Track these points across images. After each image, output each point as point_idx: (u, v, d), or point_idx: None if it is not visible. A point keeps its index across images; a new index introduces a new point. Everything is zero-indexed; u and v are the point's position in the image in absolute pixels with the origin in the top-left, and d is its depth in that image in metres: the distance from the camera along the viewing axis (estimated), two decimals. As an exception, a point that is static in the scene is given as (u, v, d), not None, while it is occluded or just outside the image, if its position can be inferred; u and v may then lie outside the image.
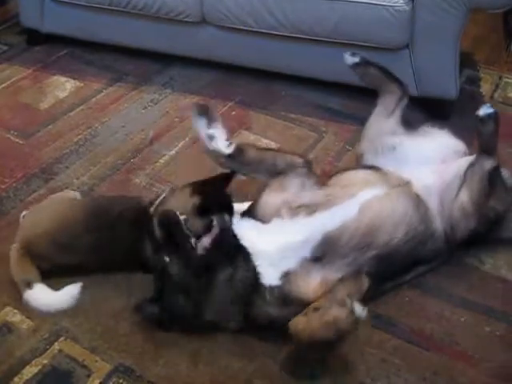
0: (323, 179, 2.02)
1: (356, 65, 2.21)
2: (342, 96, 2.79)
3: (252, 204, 1.90)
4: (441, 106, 2.65)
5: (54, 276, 1.90)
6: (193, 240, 1.75)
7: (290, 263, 1.73)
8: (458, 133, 2.49)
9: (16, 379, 1.67)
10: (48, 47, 3.18)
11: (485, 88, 2.96)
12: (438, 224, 1.93)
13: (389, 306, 1.89)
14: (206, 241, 1.76)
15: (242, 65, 2.87)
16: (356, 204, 1.83)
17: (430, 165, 2.04)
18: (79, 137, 2.58)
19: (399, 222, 1.84)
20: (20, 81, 2.94)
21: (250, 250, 1.75)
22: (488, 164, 1.95)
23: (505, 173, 2.08)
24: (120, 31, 2.98)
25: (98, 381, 1.68)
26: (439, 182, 2.00)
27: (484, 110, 1.95)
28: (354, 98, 2.76)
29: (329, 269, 1.74)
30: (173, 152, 2.50)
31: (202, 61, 2.95)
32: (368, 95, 2.71)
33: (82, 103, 2.79)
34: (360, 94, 2.74)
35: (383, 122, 2.17)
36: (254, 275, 1.73)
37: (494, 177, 1.96)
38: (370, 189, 1.88)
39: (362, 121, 2.64)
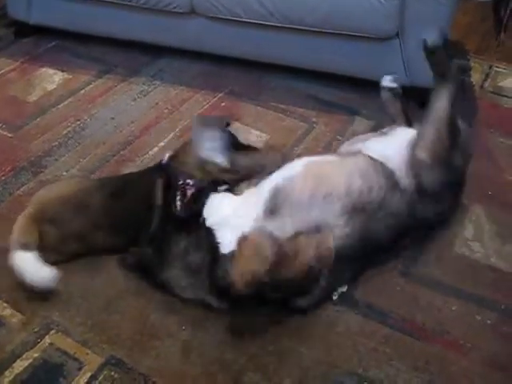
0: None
1: (390, 89, 2.34)
2: (332, 86, 2.79)
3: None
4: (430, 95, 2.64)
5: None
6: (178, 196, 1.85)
7: (246, 225, 1.75)
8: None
9: (7, 373, 1.66)
10: (36, 39, 3.16)
11: (475, 77, 2.97)
12: (404, 177, 1.94)
13: (380, 295, 1.89)
14: (178, 198, 1.85)
15: (232, 56, 2.85)
16: (301, 162, 1.93)
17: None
18: (68, 129, 2.57)
19: (352, 172, 1.88)
20: (8, 73, 2.92)
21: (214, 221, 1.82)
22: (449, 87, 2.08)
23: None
24: (108, 23, 2.96)
25: (90, 373, 1.67)
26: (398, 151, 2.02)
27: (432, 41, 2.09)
28: (344, 89, 2.77)
29: (285, 225, 1.76)
30: (162, 143, 2.49)
31: (192, 52, 2.93)
32: (358, 86, 2.74)
33: (70, 95, 2.78)
34: (350, 84, 2.75)
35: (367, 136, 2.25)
36: (214, 247, 1.77)
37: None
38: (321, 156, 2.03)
39: (352, 111, 2.67)
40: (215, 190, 1.92)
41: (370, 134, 2.24)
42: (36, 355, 1.71)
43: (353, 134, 2.44)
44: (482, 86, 2.90)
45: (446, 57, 2.11)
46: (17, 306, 1.84)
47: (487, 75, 2.99)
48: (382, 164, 1.94)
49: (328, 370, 1.69)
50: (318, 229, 1.75)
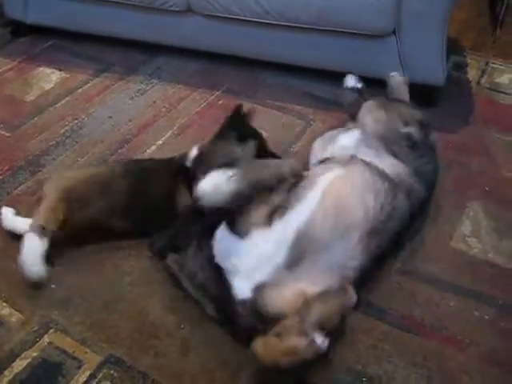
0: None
1: (354, 89, 2.39)
2: (329, 83, 2.78)
3: (236, 216, 1.76)
4: (428, 92, 2.65)
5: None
6: None
7: (263, 274, 1.66)
8: (445, 118, 2.53)
9: (6, 372, 1.66)
10: (33, 39, 3.16)
11: (471, 74, 2.97)
12: (392, 172, 1.94)
13: (379, 292, 1.89)
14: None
15: (229, 53, 2.86)
16: (317, 191, 1.79)
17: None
18: (66, 128, 2.57)
19: (364, 190, 1.82)
20: (5, 73, 2.92)
21: (227, 266, 1.72)
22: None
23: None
24: (105, 22, 2.97)
25: (89, 372, 1.67)
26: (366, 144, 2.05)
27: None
28: (340, 86, 2.75)
29: (307, 278, 1.65)
30: (160, 142, 2.49)
31: (189, 50, 2.94)
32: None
33: (67, 94, 2.78)
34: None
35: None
36: (225, 286, 1.70)
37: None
38: (328, 173, 1.86)
39: (349, 108, 2.66)
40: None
41: (335, 132, 2.23)
42: (35, 354, 1.71)
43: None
44: (478, 83, 2.90)
45: None
46: (15, 305, 1.84)
47: (484, 71, 2.99)
48: (376, 168, 1.92)
49: (327, 367, 1.69)
50: (341, 285, 1.66)
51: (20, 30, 3.17)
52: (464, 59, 3.08)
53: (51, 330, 1.78)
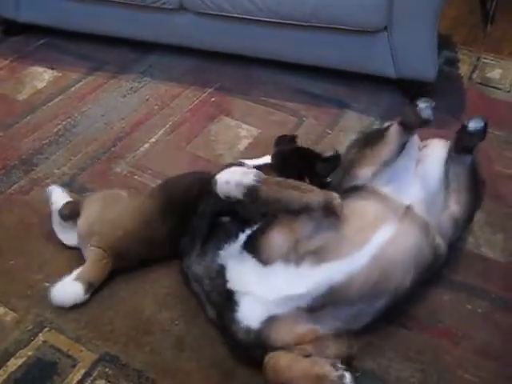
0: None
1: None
2: (321, 80, 2.79)
3: (257, 238, 1.67)
4: (420, 87, 2.65)
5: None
6: None
7: (281, 310, 1.59)
8: (437, 113, 2.52)
9: (1, 372, 1.66)
10: (25, 37, 3.14)
11: (463, 69, 2.98)
12: (440, 241, 1.82)
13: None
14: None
15: (221, 51, 2.86)
16: (368, 253, 1.63)
17: (408, 173, 1.91)
18: (59, 127, 2.56)
19: (412, 261, 1.69)
20: (-3, 72, 2.92)
21: (240, 290, 1.63)
22: (468, 159, 1.93)
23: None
24: (97, 20, 2.95)
25: (84, 370, 1.68)
26: (426, 192, 1.86)
27: (473, 124, 1.88)
28: (333, 82, 2.77)
29: (322, 321, 1.60)
30: (153, 140, 2.49)
31: (181, 48, 2.93)
32: (347, 79, 2.75)
33: (60, 93, 2.77)
34: (340, 77, 2.76)
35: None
36: (230, 306, 1.63)
37: (475, 172, 1.94)
38: (381, 229, 1.68)
39: (342, 104, 2.68)
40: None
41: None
42: (30, 353, 1.71)
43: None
44: (470, 78, 2.91)
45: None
46: (10, 304, 1.84)
47: (475, 67, 3.00)
48: (429, 227, 1.78)
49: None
50: (348, 331, 1.63)
51: (12, 28, 3.15)
52: (456, 55, 3.09)
53: (46, 329, 1.77)
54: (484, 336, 1.78)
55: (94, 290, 1.85)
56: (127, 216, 1.92)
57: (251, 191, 1.60)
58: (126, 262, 1.91)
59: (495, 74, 2.95)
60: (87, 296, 1.83)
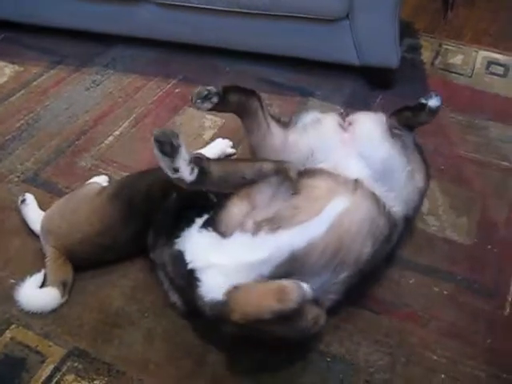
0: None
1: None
2: (284, 69, 2.80)
3: (215, 212, 1.71)
4: (383, 74, 2.68)
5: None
6: None
7: (243, 279, 1.58)
8: (401, 100, 2.55)
9: (-32, 370, 1.65)
10: (-17, 33, 3.10)
11: (425, 55, 3.02)
12: (397, 210, 1.83)
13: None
14: None
15: (184, 42, 2.84)
16: (325, 221, 1.65)
17: (341, 150, 1.91)
18: (21, 122, 2.53)
19: (368, 233, 1.71)
20: (-44, 68, 2.87)
21: (200, 266, 1.63)
22: (412, 135, 1.96)
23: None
24: (58, 13, 2.91)
25: (53, 366, 1.66)
26: (374, 166, 1.87)
27: (434, 102, 1.90)
28: (296, 71, 2.78)
29: None
30: (117, 132, 2.47)
31: (144, 40, 2.91)
32: (310, 67, 2.76)
33: (22, 88, 2.73)
34: (303, 66, 2.77)
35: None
36: (195, 285, 1.62)
37: (419, 148, 1.98)
38: (335, 199, 1.70)
39: (305, 92, 2.69)
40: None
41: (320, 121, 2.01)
42: (-3, 351, 1.70)
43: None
44: (432, 64, 2.95)
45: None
46: (-26, 303, 1.82)
47: (437, 53, 3.04)
48: (380, 199, 1.79)
49: (290, 347, 1.70)
50: (316, 301, 1.62)
51: (-30, 24, 3.10)
52: (418, 41, 3.13)
53: (13, 326, 1.75)
54: (450, 317, 1.81)
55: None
56: (86, 219, 1.87)
57: (202, 169, 1.63)
58: (85, 263, 1.88)
59: (457, 59, 2.99)
60: (66, 297, 1.82)
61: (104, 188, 2.03)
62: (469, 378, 1.66)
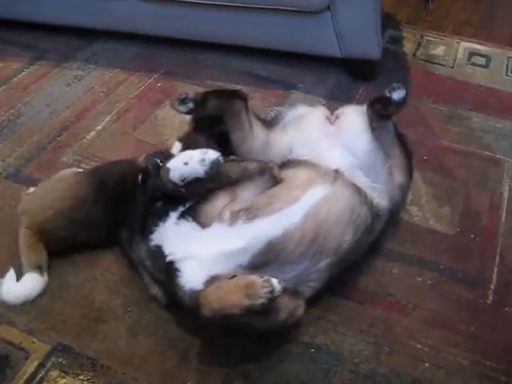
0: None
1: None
2: (266, 62, 2.80)
3: (197, 202, 1.73)
4: (365, 66, 2.68)
5: None
6: None
7: (221, 268, 1.60)
8: (383, 91, 2.55)
9: (-49, 369, 1.64)
10: (-37, 28, 3.06)
11: (407, 47, 3.03)
12: (380, 202, 1.85)
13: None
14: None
15: (166, 35, 2.83)
16: (301, 209, 1.68)
17: (325, 142, 1.93)
18: (2, 118, 2.51)
19: (348, 221, 1.73)
20: None
21: (179, 257, 1.65)
22: (391, 125, 1.96)
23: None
24: (38, 8, 2.88)
25: (37, 362, 1.66)
26: (354, 158, 1.89)
27: (398, 94, 1.88)
28: (279, 64, 2.78)
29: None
30: (99, 127, 2.45)
31: (125, 34, 2.90)
32: (293, 60, 2.76)
33: (2, 84, 2.71)
34: (285, 59, 2.77)
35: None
36: (175, 276, 1.63)
37: (400, 136, 1.98)
38: (313, 188, 1.73)
39: (288, 85, 2.69)
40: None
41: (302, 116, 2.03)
42: (-20, 349, 1.68)
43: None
44: (414, 55, 2.96)
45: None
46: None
47: (419, 44, 3.05)
48: (360, 189, 1.81)
49: (274, 339, 1.71)
50: (296, 291, 1.64)
51: (-51, 20, 3.07)
52: (400, 33, 3.14)
53: (-4, 323, 1.75)
54: (433, 306, 1.82)
55: (49, 270, 1.84)
56: (60, 195, 1.89)
57: (215, 165, 1.65)
58: (57, 244, 1.88)
59: (439, 50, 3.00)
60: (46, 278, 1.82)
61: (80, 172, 2.06)
62: (452, 366, 1.67)
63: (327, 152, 1.89)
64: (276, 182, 1.77)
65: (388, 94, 1.89)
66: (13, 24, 2.98)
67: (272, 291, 1.45)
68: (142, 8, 2.73)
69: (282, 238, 1.63)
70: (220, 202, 1.71)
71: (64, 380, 1.63)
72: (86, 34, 2.97)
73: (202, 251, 1.63)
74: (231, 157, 1.85)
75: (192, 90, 2.59)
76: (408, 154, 1.98)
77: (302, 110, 2.05)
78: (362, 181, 1.84)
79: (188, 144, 1.91)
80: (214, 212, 1.69)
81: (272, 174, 1.77)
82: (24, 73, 2.78)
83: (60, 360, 1.66)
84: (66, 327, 1.74)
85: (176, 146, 1.96)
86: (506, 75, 2.84)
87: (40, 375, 1.63)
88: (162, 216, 1.73)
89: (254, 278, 1.48)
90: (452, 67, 2.88)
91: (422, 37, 3.10)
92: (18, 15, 2.95)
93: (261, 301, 1.45)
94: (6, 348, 1.69)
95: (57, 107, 2.58)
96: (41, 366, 1.65)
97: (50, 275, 1.85)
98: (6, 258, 1.90)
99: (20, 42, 2.97)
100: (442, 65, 2.90)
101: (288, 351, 1.69)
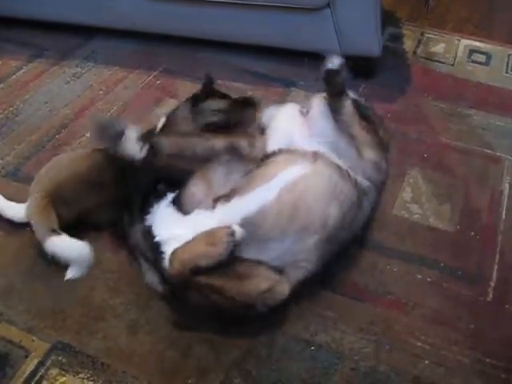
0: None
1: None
2: (267, 60, 2.79)
3: (179, 191, 1.80)
4: (365, 63, 2.67)
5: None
6: None
7: None
8: (383, 89, 2.56)
9: (-49, 367, 1.63)
10: (-39, 26, 3.06)
11: (408, 44, 3.02)
12: (363, 181, 1.86)
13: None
14: None
15: (165, 33, 2.82)
16: (274, 186, 1.70)
17: (297, 134, 1.95)
18: (0, 116, 2.50)
19: (330, 197, 1.73)
20: None
21: (165, 238, 1.70)
22: (350, 105, 1.96)
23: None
24: (37, 5, 2.88)
25: (37, 360, 1.65)
26: (326, 144, 1.89)
27: (332, 63, 1.93)
28: (278, 61, 2.78)
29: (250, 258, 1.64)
30: (99, 125, 2.45)
31: (124, 31, 2.89)
32: (293, 58, 2.75)
33: (1, 82, 2.71)
34: (285, 56, 2.76)
35: None
36: (161, 257, 1.68)
37: (362, 110, 1.98)
38: (289, 168, 1.76)
39: (288, 83, 2.69)
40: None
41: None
42: (-20, 347, 1.68)
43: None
44: (414, 53, 2.95)
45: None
46: (-44, 298, 1.80)
47: (419, 42, 3.04)
48: (346, 173, 1.81)
49: (274, 337, 1.71)
50: (281, 269, 1.65)
51: None
52: (400, 30, 3.13)
53: (-5, 321, 1.75)
54: (433, 304, 1.82)
55: (49, 269, 1.85)
56: (74, 161, 2.00)
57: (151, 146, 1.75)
58: (71, 209, 1.89)
59: (439, 48, 3.00)
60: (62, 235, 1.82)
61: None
62: (452, 363, 1.67)
63: (302, 142, 1.91)
64: (246, 161, 1.82)
65: (325, 68, 1.93)
66: (11, 22, 2.98)
67: (233, 233, 1.55)
68: (140, 5, 2.72)
69: (257, 215, 1.66)
70: (196, 189, 1.78)
71: (64, 378, 1.62)
72: (85, 32, 2.96)
73: (183, 232, 1.67)
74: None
75: (191, 87, 2.61)
76: (373, 128, 1.97)
77: (273, 110, 2.08)
78: (339, 162, 1.85)
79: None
80: (194, 200, 1.76)
81: (240, 152, 1.82)
82: (23, 70, 2.78)
83: (60, 358, 1.66)
84: (65, 325, 1.74)
85: (161, 122, 2.05)
86: (507, 73, 2.83)
87: (40, 373, 1.63)
88: (158, 196, 1.79)
89: (217, 228, 1.58)
90: (452, 65, 2.88)
91: (422, 34, 3.10)
92: (17, 13, 2.95)
93: (223, 246, 1.52)
94: (5, 346, 1.69)
95: (56, 105, 2.57)
96: (41, 364, 1.65)
97: (50, 274, 1.85)
98: (9, 258, 1.91)
99: (18, 40, 2.96)
100: (443, 62, 2.89)
101: (288, 349, 1.69)
